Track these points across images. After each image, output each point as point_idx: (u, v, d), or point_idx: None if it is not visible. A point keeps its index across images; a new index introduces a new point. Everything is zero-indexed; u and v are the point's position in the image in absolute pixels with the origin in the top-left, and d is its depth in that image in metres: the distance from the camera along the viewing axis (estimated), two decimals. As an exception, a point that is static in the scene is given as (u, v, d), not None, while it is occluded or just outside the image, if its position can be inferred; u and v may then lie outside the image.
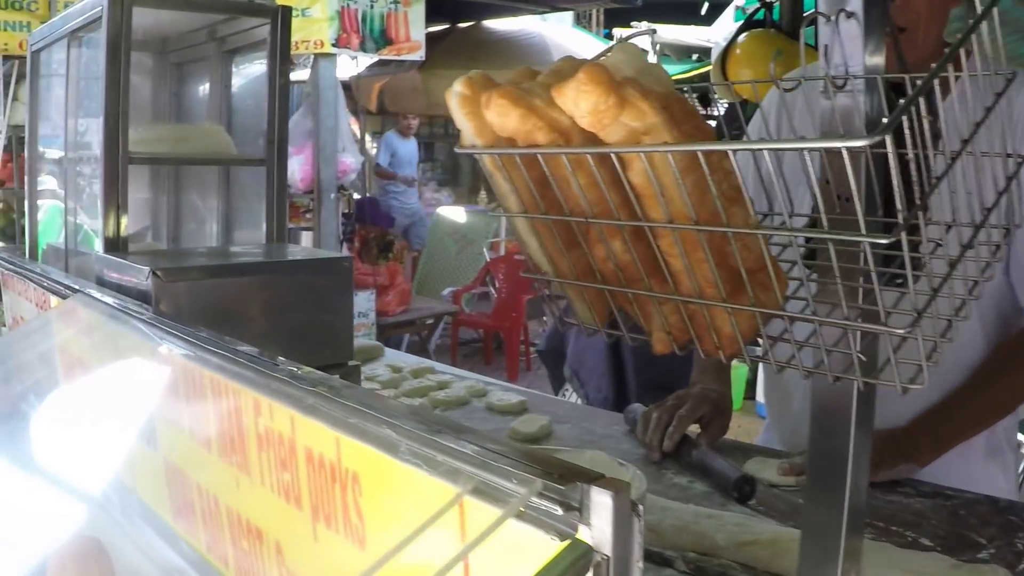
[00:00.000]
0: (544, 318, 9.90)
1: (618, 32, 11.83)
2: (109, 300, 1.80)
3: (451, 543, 0.95)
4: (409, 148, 10.40)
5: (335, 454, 1.22)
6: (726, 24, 10.22)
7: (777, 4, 4.56)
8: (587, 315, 1.38)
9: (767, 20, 4.46)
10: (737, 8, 9.64)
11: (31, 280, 2.36)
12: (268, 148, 2.34)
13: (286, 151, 2.38)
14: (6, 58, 5.73)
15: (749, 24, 4.42)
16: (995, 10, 1.08)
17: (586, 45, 9.95)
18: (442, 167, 14.99)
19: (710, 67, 11.21)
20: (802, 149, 1.00)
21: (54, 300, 2.19)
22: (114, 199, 2.13)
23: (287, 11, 2.35)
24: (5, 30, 5.44)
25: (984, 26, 1.07)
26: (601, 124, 1.07)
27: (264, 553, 1.39)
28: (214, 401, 1.51)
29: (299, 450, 1.30)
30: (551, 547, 0.83)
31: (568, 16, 12.34)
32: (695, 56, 11.99)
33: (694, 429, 2.22)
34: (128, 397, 1.84)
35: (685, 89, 1.31)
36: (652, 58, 11.31)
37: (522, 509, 0.88)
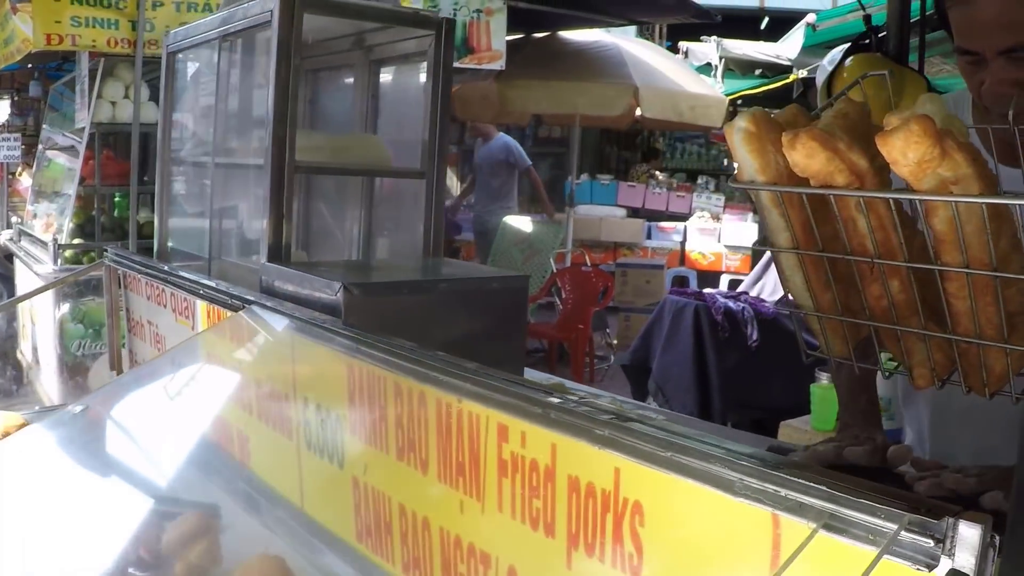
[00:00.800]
0: (607, 330, 9.84)
1: (684, 45, 11.75)
2: (299, 313, 1.77)
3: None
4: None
5: (612, 485, 1.17)
6: (795, 41, 10.13)
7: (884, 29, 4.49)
8: (839, 348, 1.35)
9: (872, 44, 4.38)
10: (808, 25, 9.54)
11: (172, 284, 2.33)
12: (427, 160, 2.31)
13: (445, 164, 2.35)
14: (91, 55, 5.72)
15: (855, 48, 4.33)
16: None
17: (659, 59, 9.89)
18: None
19: (776, 83, 11.16)
20: None
21: (203, 306, 2.16)
22: (278, 207, 2.10)
23: (451, 24, 2.31)
24: (93, 27, 5.41)
25: None
26: (923, 173, 1.07)
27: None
28: (437, 423, 1.47)
29: (560, 477, 1.25)
30: None
31: (632, 29, 12.26)
32: (758, 71, 11.88)
33: None
34: (310, 413, 1.81)
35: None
36: (718, 73, 11.25)
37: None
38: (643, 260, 11.66)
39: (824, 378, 4.16)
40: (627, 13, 9.19)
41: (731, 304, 5.70)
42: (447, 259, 2.26)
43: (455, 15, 6.33)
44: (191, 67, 2.79)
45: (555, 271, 9.29)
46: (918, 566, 0.86)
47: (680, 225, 12.13)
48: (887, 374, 1.33)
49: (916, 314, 1.21)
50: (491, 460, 1.37)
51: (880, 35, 4.47)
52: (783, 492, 0.96)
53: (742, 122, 1.21)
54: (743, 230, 11.84)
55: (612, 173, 13.49)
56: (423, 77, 2.37)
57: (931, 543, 0.85)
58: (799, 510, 0.94)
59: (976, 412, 1.94)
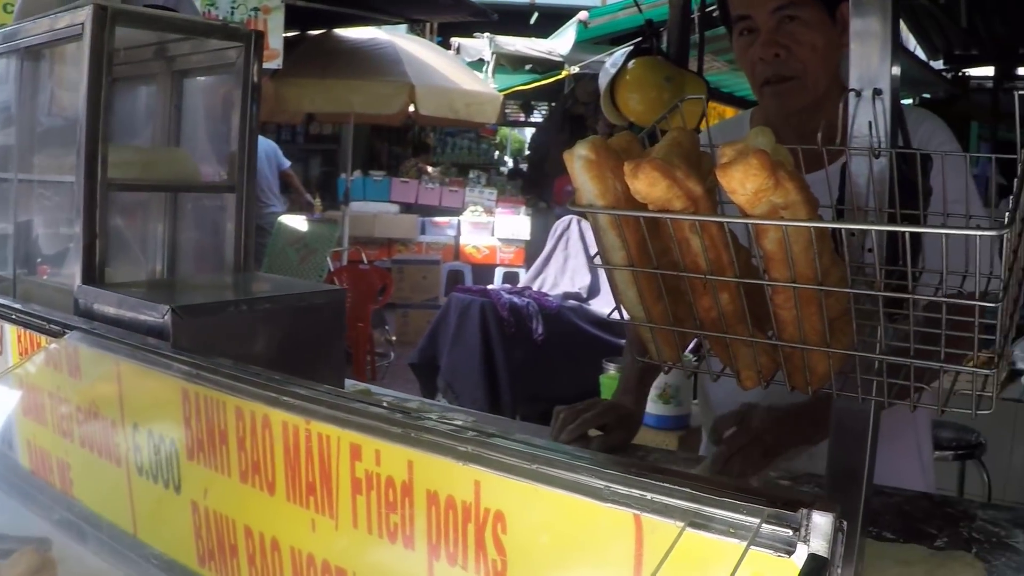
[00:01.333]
0: (386, 327, 9.88)
1: (456, 41, 11.88)
2: (129, 339, 1.75)
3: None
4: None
5: (472, 497, 1.24)
6: (567, 38, 10.45)
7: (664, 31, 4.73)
8: (667, 354, 1.47)
9: (654, 47, 4.61)
10: (580, 23, 9.87)
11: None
12: (238, 173, 2.30)
13: (255, 177, 2.35)
14: None
15: (637, 51, 4.56)
16: None
17: (434, 56, 9.98)
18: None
19: (548, 79, 11.47)
20: (944, 235, 1.14)
21: (12, 331, 2.09)
22: (92, 226, 2.05)
23: (260, 36, 2.32)
24: None
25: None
26: (758, 201, 1.18)
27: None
28: (284, 445, 1.49)
29: (418, 492, 1.31)
30: (782, 564, 0.97)
31: (402, 26, 12.31)
32: (528, 67, 12.16)
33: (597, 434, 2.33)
34: (140, 439, 1.79)
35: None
36: (490, 69, 11.45)
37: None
38: (419, 256, 11.74)
39: (612, 368, 4.35)
40: (404, 11, 9.26)
41: (516, 300, 5.87)
42: (259, 274, 2.26)
43: (232, 13, 6.23)
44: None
45: (332, 270, 9.25)
46: (778, 553, 0.97)
47: (454, 220, 12.25)
48: (715, 377, 1.45)
49: (743, 322, 1.32)
50: (344, 479, 1.41)
51: (659, 35, 4.72)
52: (649, 496, 1.06)
53: (582, 150, 1.29)
54: (515, 223, 12.09)
55: (384, 169, 13.49)
56: (229, 89, 2.36)
57: (789, 532, 0.97)
58: (665, 511, 1.05)
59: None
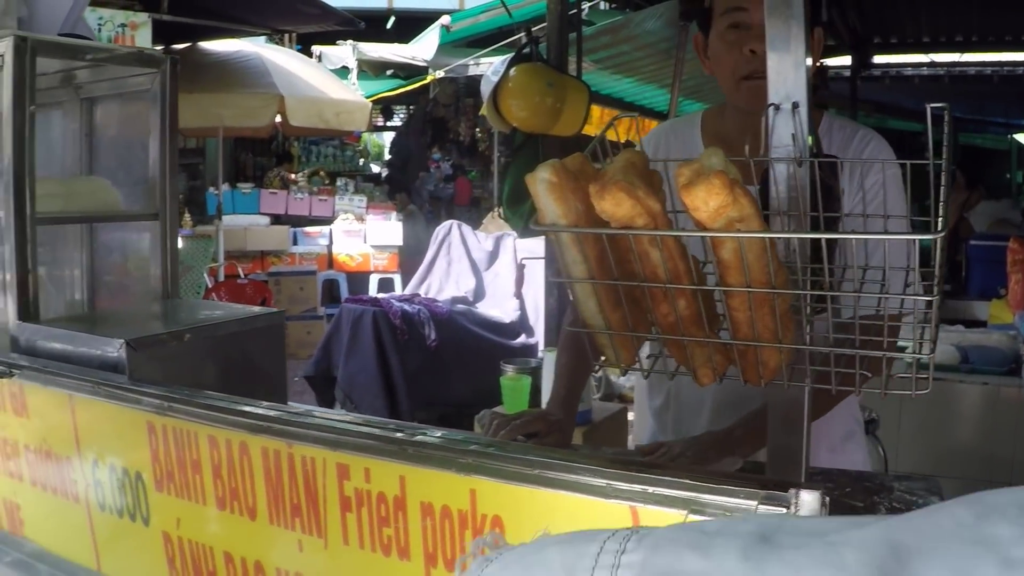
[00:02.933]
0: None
1: (317, 49, 11.79)
2: (87, 375, 1.74)
3: None
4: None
5: (468, 505, 1.30)
6: (430, 42, 10.49)
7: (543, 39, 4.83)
8: (624, 357, 1.55)
9: (534, 54, 4.71)
10: (443, 27, 9.93)
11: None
12: (160, 201, 2.31)
13: (177, 205, 2.35)
14: None
15: (519, 58, 4.64)
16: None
17: (301, 65, 9.89)
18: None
19: (413, 84, 11.49)
20: (888, 239, 1.34)
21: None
22: (23, 262, 2.03)
23: (176, 61, 2.32)
24: None
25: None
26: (718, 216, 1.29)
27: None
28: (265, 470, 1.52)
29: (411, 505, 1.35)
30: None
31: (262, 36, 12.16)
32: (390, 72, 12.15)
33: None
34: (101, 475, 1.78)
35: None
36: (354, 76, 11.41)
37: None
38: (293, 267, 11.61)
39: (510, 370, 4.41)
40: (270, 22, 9.16)
41: (407, 307, 5.90)
42: (186, 300, 2.27)
43: (99, 30, 6.10)
44: None
45: (209, 286, 9.10)
46: None
47: (325, 229, 12.16)
48: (671, 376, 1.54)
49: (698, 325, 1.43)
50: (332, 498, 1.45)
51: (537, 42, 4.82)
52: (650, 489, 1.14)
53: (544, 173, 1.37)
54: (387, 229, 12.07)
55: (251, 181, 13.29)
56: (142, 113, 2.35)
57: (783, 510, 1.07)
58: (666, 502, 1.13)
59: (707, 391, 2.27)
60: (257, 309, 2.17)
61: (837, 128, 2.21)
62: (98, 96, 2.52)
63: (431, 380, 5.76)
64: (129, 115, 2.52)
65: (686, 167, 1.32)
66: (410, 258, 10.92)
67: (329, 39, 11.60)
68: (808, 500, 1.07)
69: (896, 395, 1.36)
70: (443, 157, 14.47)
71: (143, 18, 6.44)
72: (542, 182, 1.38)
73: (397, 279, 11.32)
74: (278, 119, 9.12)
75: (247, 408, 1.54)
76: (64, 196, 2.22)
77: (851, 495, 2.12)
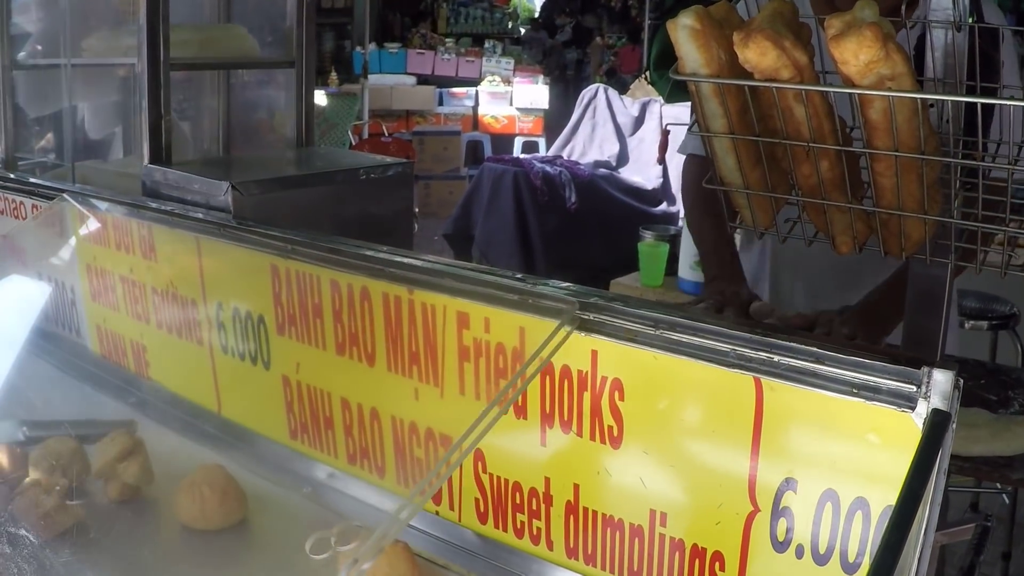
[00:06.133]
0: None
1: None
2: (213, 217, 1.76)
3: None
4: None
5: (589, 366, 1.26)
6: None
7: None
8: (762, 219, 1.48)
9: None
10: None
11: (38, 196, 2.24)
12: (297, 49, 2.28)
13: (314, 52, 2.33)
14: None
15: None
16: None
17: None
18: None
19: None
20: None
21: (72, 214, 2.09)
22: (157, 107, 2.05)
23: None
24: None
25: None
26: (868, 72, 1.18)
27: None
28: (385, 316, 1.51)
29: (529, 360, 1.32)
30: (902, 419, 1.03)
31: None
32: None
33: None
34: (225, 317, 1.81)
35: None
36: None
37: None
38: (438, 127, 11.63)
39: (649, 236, 4.35)
40: None
41: (548, 169, 5.85)
42: (320, 148, 2.26)
43: None
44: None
45: (353, 144, 9.18)
46: (902, 408, 1.03)
47: (471, 90, 12.10)
48: (809, 243, 1.46)
49: (841, 189, 1.34)
50: (450, 347, 1.43)
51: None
52: (776, 358, 1.08)
53: (687, 19, 1.29)
54: (534, 92, 11.94)
55: (398, 41, 13.27)
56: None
57: (913, 388, 1.02)
58: (788, 374, 1.07)
59: (806, 261, 2.16)
60: (381, 159, 2.14)
61: None
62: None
63: (568, 243, 5.73)
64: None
65: (837, 18, 1.22)
66: (556, 123, 10.80)
67: None
68: (941, 380, 1.01)
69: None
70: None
71: None
72: (684, 28, 1.30)
73: (542, 142, 11.21)
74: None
75: (369, 252, 1.52)
76: (199, 43, 2.21)
77: (985, 387, 2.03)
